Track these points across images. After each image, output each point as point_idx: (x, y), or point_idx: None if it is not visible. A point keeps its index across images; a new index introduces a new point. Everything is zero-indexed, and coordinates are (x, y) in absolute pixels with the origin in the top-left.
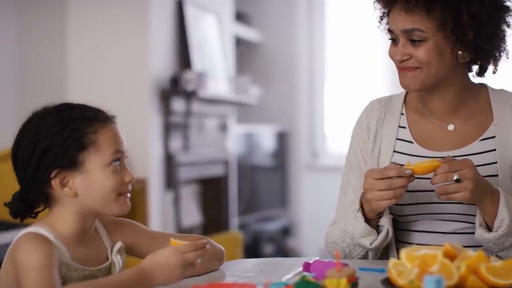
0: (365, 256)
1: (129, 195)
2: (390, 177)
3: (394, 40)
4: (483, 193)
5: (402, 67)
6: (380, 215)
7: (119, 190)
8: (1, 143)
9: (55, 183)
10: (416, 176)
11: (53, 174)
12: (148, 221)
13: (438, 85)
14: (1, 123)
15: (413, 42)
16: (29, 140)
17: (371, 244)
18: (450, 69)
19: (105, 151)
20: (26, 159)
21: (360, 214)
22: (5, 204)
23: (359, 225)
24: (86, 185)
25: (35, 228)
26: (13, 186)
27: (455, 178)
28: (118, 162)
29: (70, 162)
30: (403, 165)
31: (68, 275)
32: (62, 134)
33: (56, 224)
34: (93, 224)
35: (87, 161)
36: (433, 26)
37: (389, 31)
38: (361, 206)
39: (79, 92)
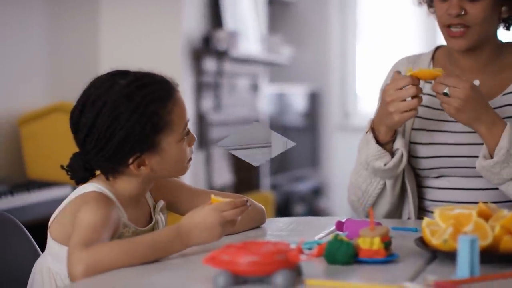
0: (381, 194)
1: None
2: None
3: None
4: (478, 119)
5: (453, 27)
6: (394, 137)
7: (189, 157)
8: (34, 103)
9: (133, 166)
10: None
11: (131, 160)
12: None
13: (481, 42)
14: (32, 82)
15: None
16: (104, 127)
17: (385, 165)
18: (496, 26)
19: (177, 128)
20: (101, 144)
21: (371, 136)
22: (63, 168)
23: (372, 147)
24: (161, 162)
25: (99, 187)
26: (46, 144)
27: (444, 91)
28: (186, 131)
29: (149, 146)
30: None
31: (124, 235)
32: (140, 122)
33: (116, 184)
34: (150, 187)
35: (162, 141)
36: None
37: None
38: (373, 132)
39: (112, 52)
